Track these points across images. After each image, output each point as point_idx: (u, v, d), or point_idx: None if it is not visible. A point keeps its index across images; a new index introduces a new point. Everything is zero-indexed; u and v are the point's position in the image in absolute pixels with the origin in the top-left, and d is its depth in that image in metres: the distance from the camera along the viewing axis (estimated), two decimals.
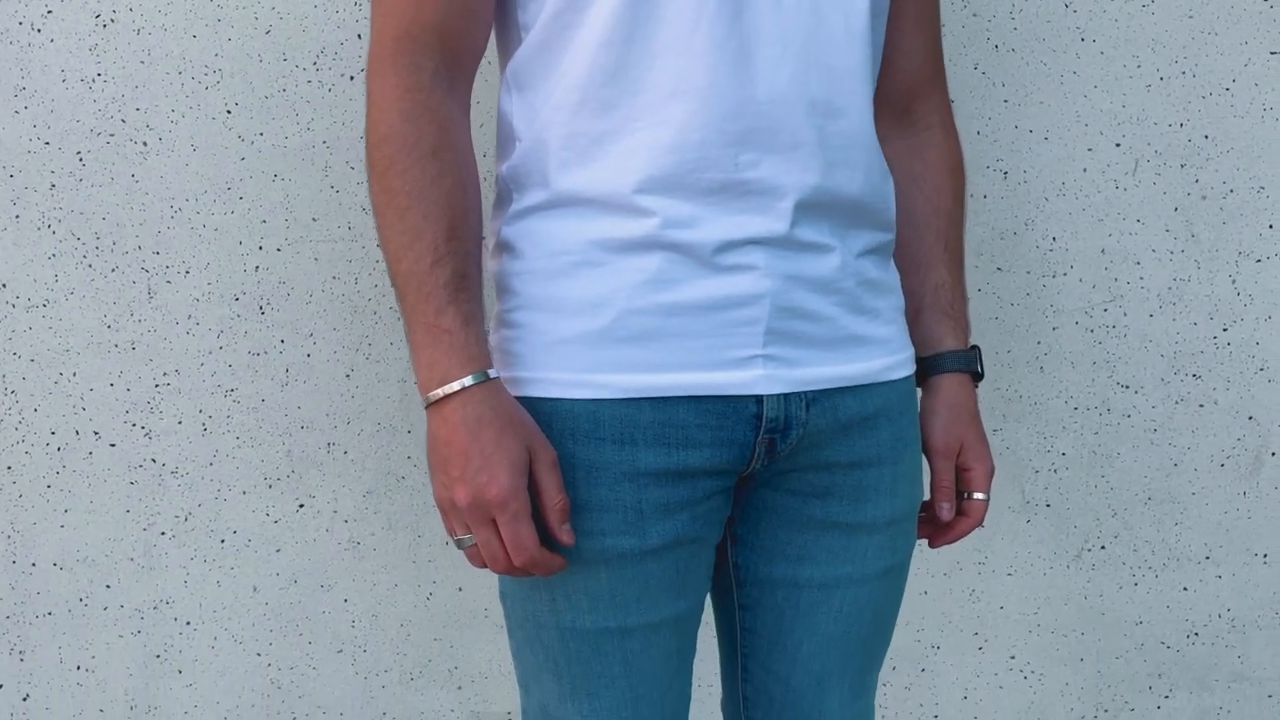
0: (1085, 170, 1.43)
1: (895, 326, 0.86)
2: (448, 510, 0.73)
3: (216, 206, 1.44)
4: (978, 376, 0.92)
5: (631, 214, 0.74)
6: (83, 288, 1.49)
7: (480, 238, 0.85)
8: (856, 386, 0.82)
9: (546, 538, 0.78)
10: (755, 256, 0.76)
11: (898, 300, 0.87)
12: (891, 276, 0.88)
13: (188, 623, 1.55)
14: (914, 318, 0.92)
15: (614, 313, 0.75)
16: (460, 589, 1.53)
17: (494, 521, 0.71)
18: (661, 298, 0.75)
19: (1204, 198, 1.42)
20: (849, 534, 0.83)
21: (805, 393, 0.79)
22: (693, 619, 0.85)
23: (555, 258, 0.76)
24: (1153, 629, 1.51)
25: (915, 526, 0.89)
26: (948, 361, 0.89)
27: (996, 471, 1.55)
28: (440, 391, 0.72)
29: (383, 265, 1.50)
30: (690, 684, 0.89)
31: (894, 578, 0.90)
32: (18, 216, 1.45)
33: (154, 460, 1.52)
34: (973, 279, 1.42)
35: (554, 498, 0.72)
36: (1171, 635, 1.51)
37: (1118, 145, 1.43)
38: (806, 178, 0.77)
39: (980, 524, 0.89)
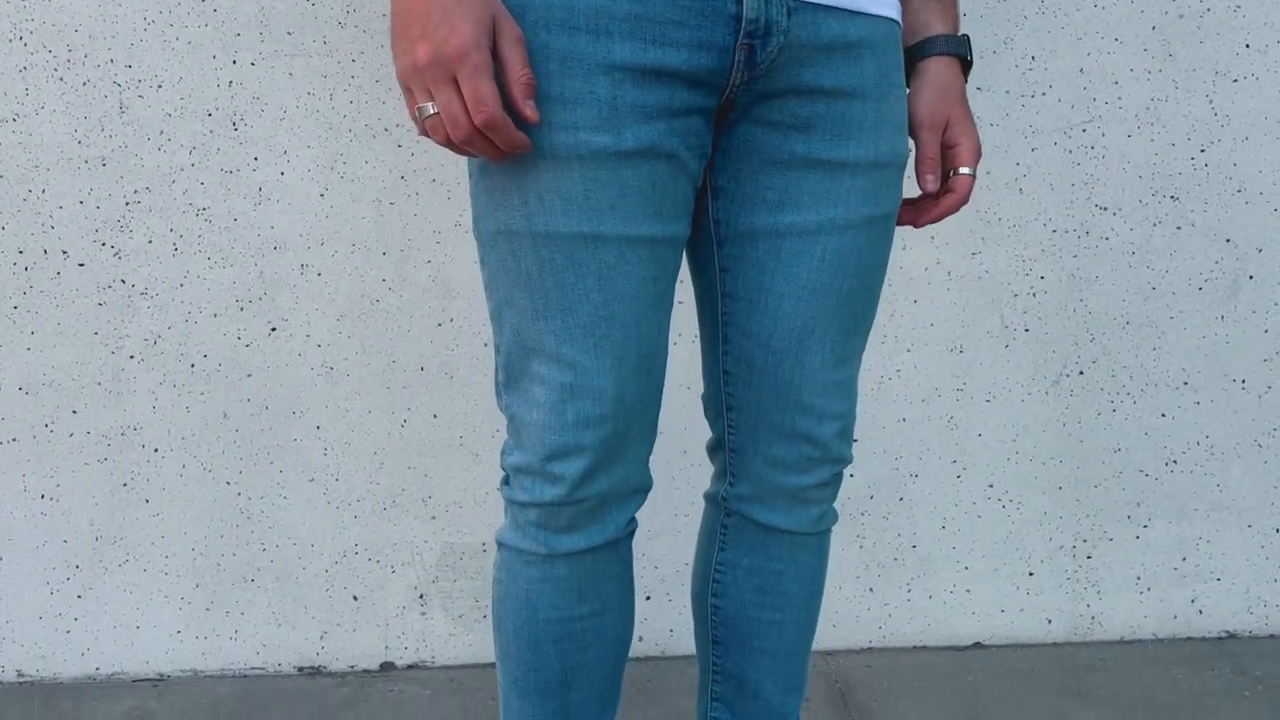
0: None
1: None
2: (409, 79, 0.77)
3: (190, 19, 1.48)
4: (967, 64, 0.96)
5: None
6: (53, 102, 1.51)
7: None
8: (840, 10, 0.85)
9: (518, 123, 0.81)
10: None
11: None
12: None
13: (155, 450, 1.58)
14: (904, 5, 0.96)
15: None
16: (435, 416, 1.56)
17: (455, 81, 0.74)
18: None
19: (1181, 16, 1.48)
20: (831, 174, 0.89)
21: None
22: (669, 258, 0.90)
23: None
24: (1131, 456, 1.55)
25: (900, 181, 0.96)
26: (937, 44, 0.96)
27: (974, 298, 1.60)
28: None
29: (358, 81, 1.54)
30: (667, 341, 0.94)
31: (878, 230, 0.95)
32: None
33: (123, 281, 1.54)
34: None
35: (518, 71, 0.77)
36: (1150, 463, 1.55)
37: None
38: None
39: (965, 200, 0.94)
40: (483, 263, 0.93)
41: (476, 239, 0.94)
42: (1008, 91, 1.61)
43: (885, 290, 1.63)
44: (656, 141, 0.86)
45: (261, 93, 1.60)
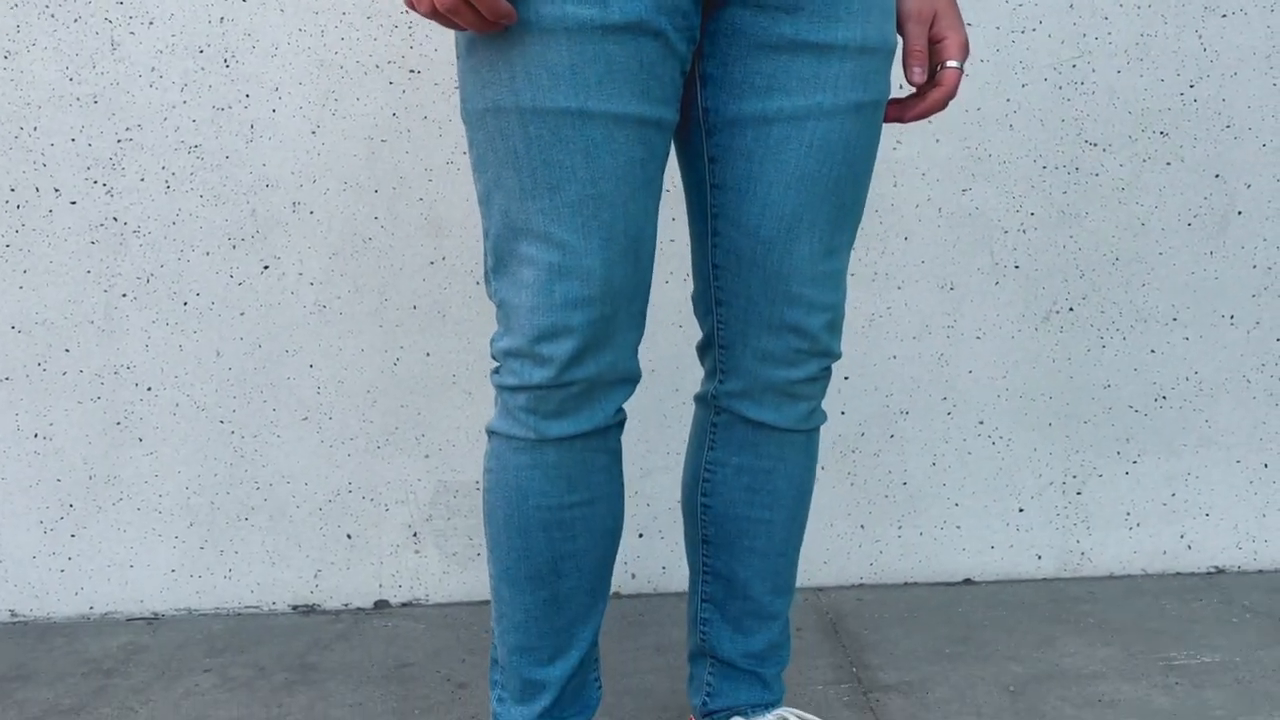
0: None
1: None
2: None
3: None
4: None
5: None
6: (44, 39, 1.53)
7: None
8: None
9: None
10: None
11: None
12: None
13: (149, 388, 1.60)
14: None
15: None
16: (428, 354, 1.58)
17: None
18: None
19: None
20: (820, 57, 0.91)
21: None
22: (657, 142, 0.92)
23: None
24: (1120, 392, 1.58)
25: (888, 71, 0.98)
26: None
27: (965, 234, 1.63)
28: None
29: (350, 17, 1.55)
30: (656, 229, 0.96)
31: (866, 118, 0.97)
32: None
33: (115, 219, 1.56)
34: None
35: None
36: (1139, 399, 1.58)
37: None
38: None
39: (953, 95, 0.97)
40: (471, 145, 0.95)
41: (464, 121, 0.96)
42: (998, 27, 1.63)
43: (875, 228, 1.65)
44: (644, 17, 0.89)
45: (253, 29, 1.62)
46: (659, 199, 1.01)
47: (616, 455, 1.07)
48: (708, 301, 1.10)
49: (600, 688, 1.14)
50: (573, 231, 0.93)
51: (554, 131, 0.91)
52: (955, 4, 1.05)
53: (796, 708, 1.23)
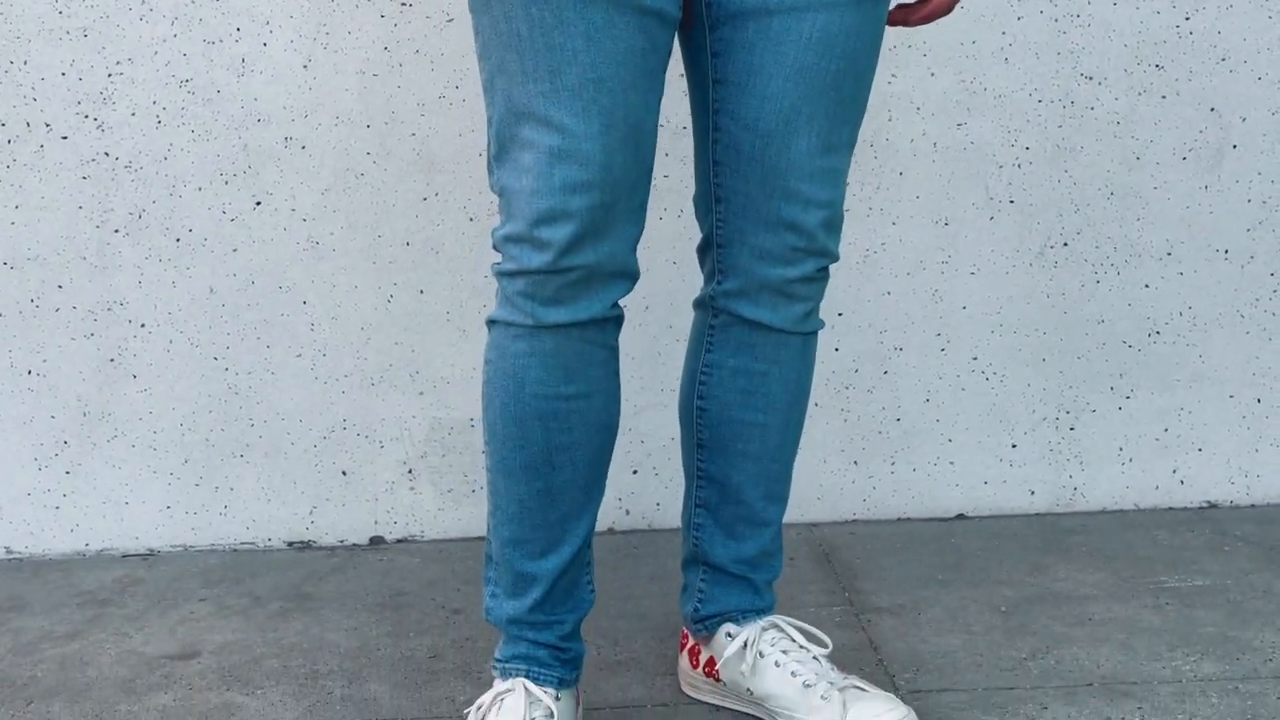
0: None
1: None
2: None
3: None
4: None
5: None
6: None
7: None
8: None
9: None
10: None
11: None
12: None
13: (142, 325, 1.61)
14: None
15: None
16: (421, 292, 1.60)
17: None
18: None
19: None
20: None
21: None
22: (659, 35, 0.99)
23: None
24: (1114, 328, 1.60)
25: None
26: None
27: (959, 169, 1.64)
28: None
29: None
30: (657, 123, 1.08)
31: (867, 12, 1.01)
32: None
33: (107, 154, 1.57)
34: None
35: None
36: (1133, 334, 1.60)
37: None
38: None
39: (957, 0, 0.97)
40: (476, 32, 0.97)
41: (470, 9, 0.97)
42: None
43: (869, 163, 1.66)
44: None
45: None
46: (660, 95, 1.02)
47: (614, 352, 1.08)
48: (708, 200, 1.12)
49: (593, 592, 1.16)
50: (573, 115, 0.95)
51: (556, 14, 0.94)
52: None
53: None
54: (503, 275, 1.04)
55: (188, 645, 1.40)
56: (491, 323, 1.07)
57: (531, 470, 1.06)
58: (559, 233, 0.98)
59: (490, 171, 1.04)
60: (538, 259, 0.99)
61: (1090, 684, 1.21)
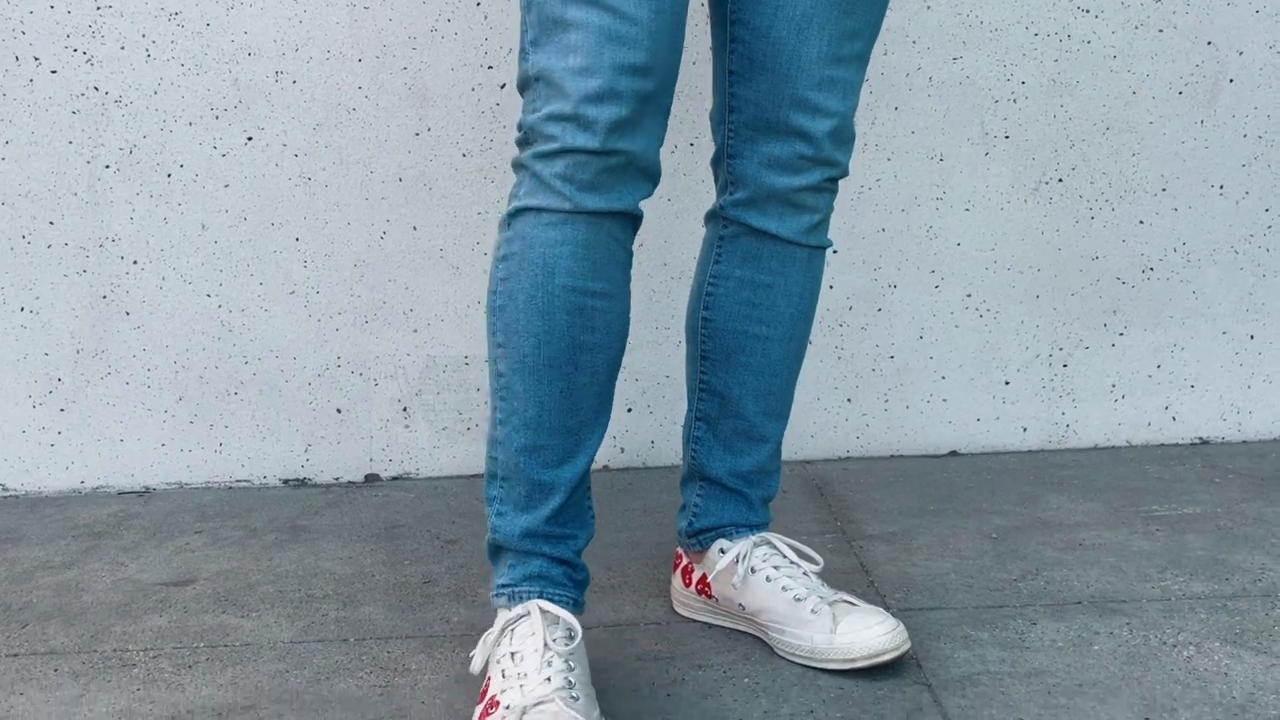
0: None
1: None
2: None
3: None
4: None
5: None
6: None
7: None
8: None
9: None
10: None
11: None
12: None
13: (134, 261, 1.61)
14: None
15: None
16: (415, 228, 1.60)
17: None
18: None
19: None
20: None
21: None
22: None
23: None
24: (1109, 264, 1.60)
25: None
26: None
27: (955, 104, 1.64)
28: None
29: None
30: (684, 28, 1.07)
31: None
32: None
33: (96, 88, 1.56)
34: None
35: None
36: (1127, 271, 1.60)
37: None
38: None
39: None
40: None
41: None
42: None
43: (865, 99, 1.66)
44: None
45: None
46: (683, 27, 1.04)
47: (630, 259, 1.08)
48: (722, 111, 1.16)
49: (594, 518, 1.16)
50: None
51: None
52: None
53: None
54: (539, 158, 1.02)
55: (183, 573, 1.40)
56: (517, 213, 1.05)
57: (554, 368, 1.05)
58: (606, 112, 0.98)
59: (523, 58, 1.03)
60: (583, 138, 0.99)
61: (1079, 602, 1.22)
